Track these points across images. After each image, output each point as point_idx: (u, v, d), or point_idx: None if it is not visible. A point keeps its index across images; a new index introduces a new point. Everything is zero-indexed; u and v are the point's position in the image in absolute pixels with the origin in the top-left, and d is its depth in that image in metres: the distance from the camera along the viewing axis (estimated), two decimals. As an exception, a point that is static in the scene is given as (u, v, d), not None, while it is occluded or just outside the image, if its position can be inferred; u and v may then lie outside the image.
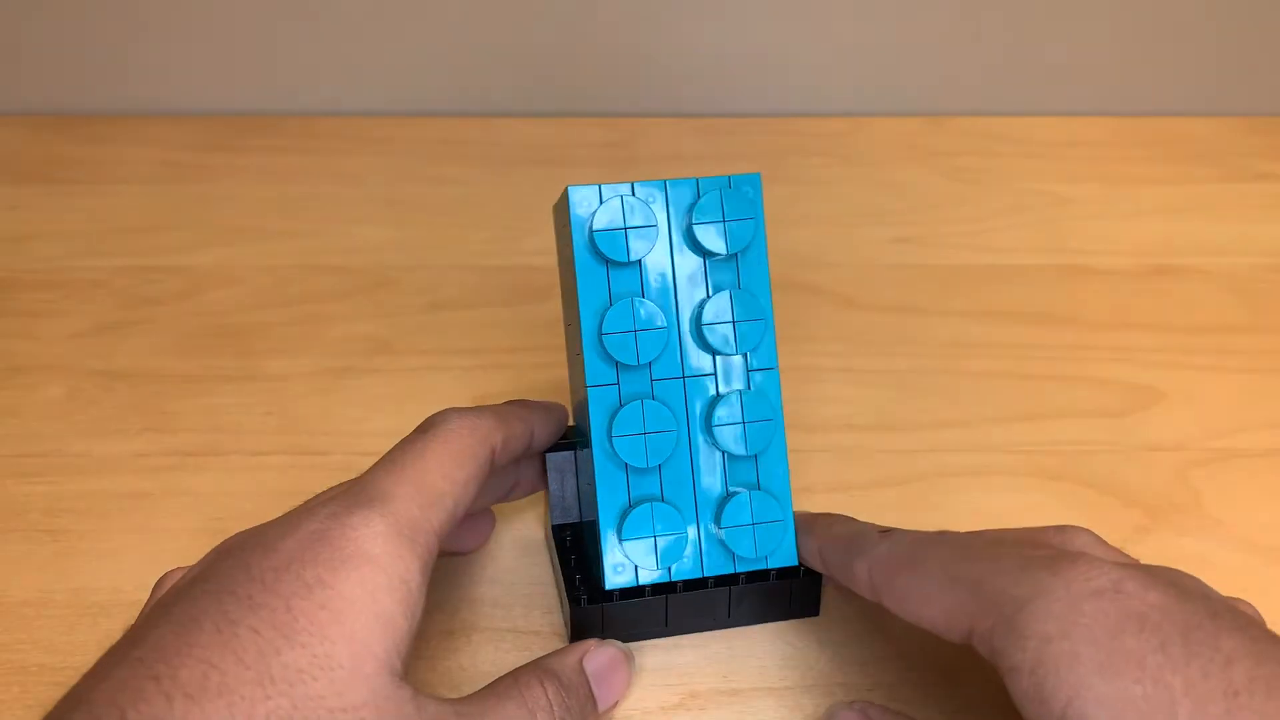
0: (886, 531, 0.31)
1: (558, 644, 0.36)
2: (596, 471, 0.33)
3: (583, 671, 0.31)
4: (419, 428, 0.32)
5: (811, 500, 0.41)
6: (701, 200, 0.33)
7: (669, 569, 0.33)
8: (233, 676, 0.24)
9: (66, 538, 0.39)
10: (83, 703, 0.24)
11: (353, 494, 0.29)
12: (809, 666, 0.34)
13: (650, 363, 0.33)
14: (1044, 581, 0.26)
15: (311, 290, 0.53)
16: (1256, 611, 0.28)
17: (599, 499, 0.33)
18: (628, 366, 0.33)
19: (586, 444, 0.34)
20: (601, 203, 0.32)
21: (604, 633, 0.34)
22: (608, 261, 0.33)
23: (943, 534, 0.30)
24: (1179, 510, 0.41)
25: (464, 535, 0.38)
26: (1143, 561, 0.29)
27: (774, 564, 0.34)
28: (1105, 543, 0.30)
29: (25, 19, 0.67)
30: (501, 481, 0.37)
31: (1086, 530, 0.30)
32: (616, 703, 0.33)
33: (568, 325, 0.35)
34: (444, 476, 0.30)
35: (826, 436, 0.44)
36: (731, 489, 0.34)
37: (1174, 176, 0.64)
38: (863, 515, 0.35)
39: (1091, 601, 0.25)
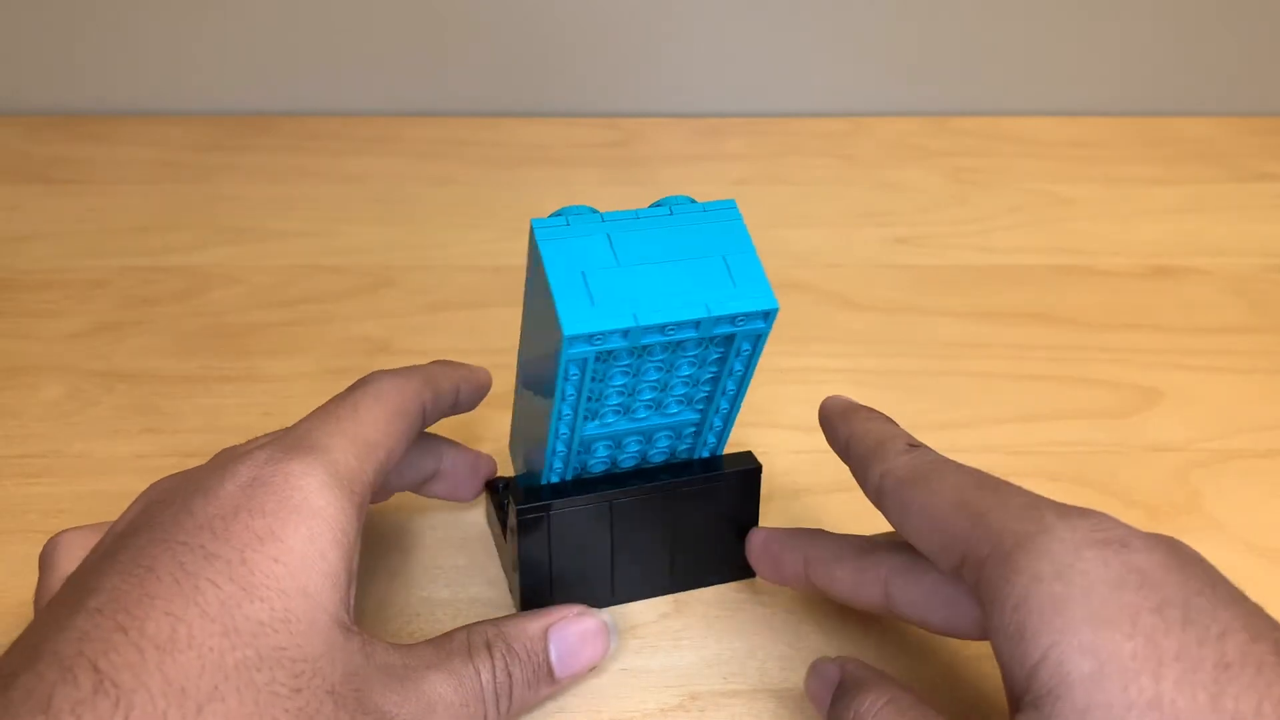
0: (915, 446, 0.31)
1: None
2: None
3: (543, 639, 0.31)
4: (349, 387, 0.32)
5: (812, 500, 0.41)
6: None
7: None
8: (199, 629, 0.24)
9: (66, 538, 0.39)
10: (44, 654, 0.23)
11: (288, 442, 0.29)
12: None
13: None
14: (1049, 522, 0.26)
15: (311, 290, 0.53)
16: None
17: None
18: None
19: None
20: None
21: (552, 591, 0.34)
22: None
23: (964, 465, 0.29)
24: (1180, 511, 0.41)
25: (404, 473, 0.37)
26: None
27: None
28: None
29: (25, 19, 0.67)
30: (424, 459, 0.36)
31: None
32: (583, 671, 0.32)
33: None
34: (377, 429, 0.30)
35: (827, 437, 0.44)
36: None
37: (1174, 176, 0.64)
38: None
39: (1094, 550, 0.25)
